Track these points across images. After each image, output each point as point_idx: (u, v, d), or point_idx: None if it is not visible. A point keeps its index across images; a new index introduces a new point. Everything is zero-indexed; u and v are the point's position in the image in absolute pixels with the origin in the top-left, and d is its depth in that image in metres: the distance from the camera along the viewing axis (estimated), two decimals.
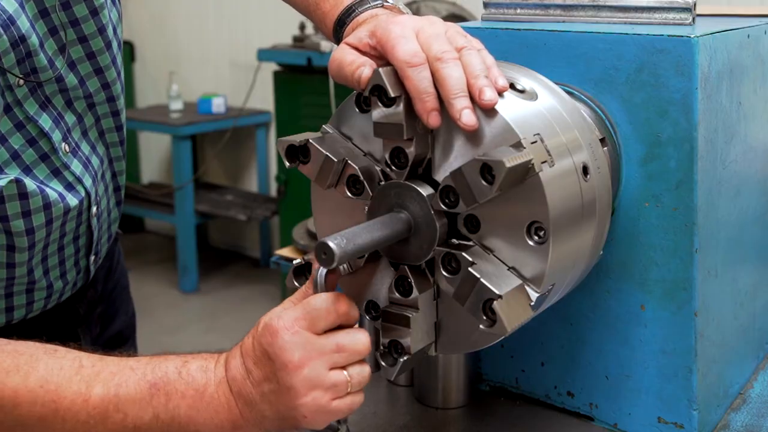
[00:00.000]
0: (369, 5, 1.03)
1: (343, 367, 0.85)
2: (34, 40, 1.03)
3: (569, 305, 1.08)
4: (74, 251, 1.20)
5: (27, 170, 1.07)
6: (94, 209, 1.19)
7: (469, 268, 0.85)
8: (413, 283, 0.89)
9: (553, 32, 1.05)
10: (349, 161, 0.90)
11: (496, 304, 0.82)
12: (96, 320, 1.35)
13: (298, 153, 0.91)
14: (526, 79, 0.93)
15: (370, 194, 0.90)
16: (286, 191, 4.54)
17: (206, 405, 0.88)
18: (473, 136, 0.85)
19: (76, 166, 1.14)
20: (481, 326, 0.84)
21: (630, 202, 1.03)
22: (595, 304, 1.08)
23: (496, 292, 0.83)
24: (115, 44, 1.17)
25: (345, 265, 0.91)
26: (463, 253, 0.85)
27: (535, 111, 0.89)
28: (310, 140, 0.90)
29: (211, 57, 5.43)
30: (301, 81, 4.35)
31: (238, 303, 4.77)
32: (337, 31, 1.06)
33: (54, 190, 1.11)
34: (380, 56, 0.89)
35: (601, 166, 0.93)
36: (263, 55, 4.49)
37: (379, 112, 0.87)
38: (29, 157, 1.07)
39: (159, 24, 5.72)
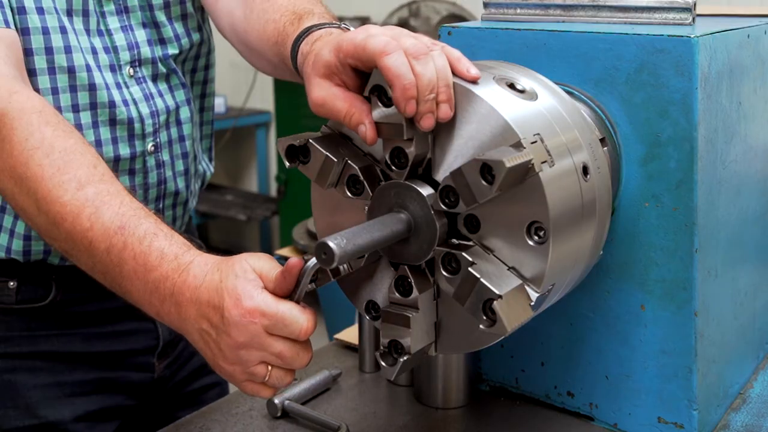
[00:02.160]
0: (326, 24, 1.06)
1: (271, 365, 0.88)
2: None
3: (569, 305, 1.08)
4: (142, 194, 1.28)
5: None
6: (149, 143, 1.26)
7: (469, 268, 0.85)
8: (413, 283, 0.89)
9: (553, 32, 1.05)
10: (350, 161, 0.90)
11: (496, 304, 0.82)
12: None
13: (298, 153, 0.91)
14: (525, 79, 0.93)
15: (370, 194, 0.90)
16: (286, 191, 4.54)
17: (145, 282, 0.92)
18: (473, 136, 0.85)
19: (136, 91, 1.25)
20: (481, 326, 0.84)
21: (630, 202, 1.03)
22: (595, 304, 1.08)
23: (496, 292, 0.83)
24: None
25: (345, 265, 0.91)
26: (463, 253, 0.85)
27: (535, 111, 0.89)
28: (311, 140, 0.90)
29: None
30: None
31: None
32: (293, 56, 1.07)
33: None
34: (352, 72, 0.88)
35: (601, 166, 0.93)
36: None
37: (379, 112, 0.87)
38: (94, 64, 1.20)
39: None
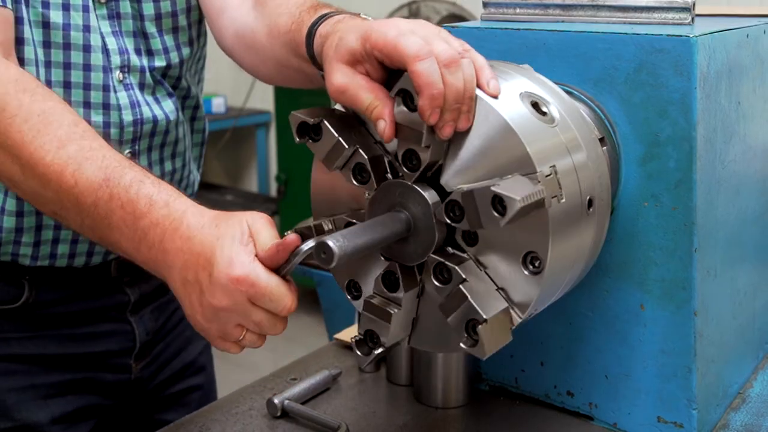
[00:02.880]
0: (345, 13, 1.05)
1: (246, 329, 0.89)
2: None
3: (568, 305, 1.08)
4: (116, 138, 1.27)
5: None
6: (117, 73, 1.23)
7: (460, 285, 0.85)
8: (400, 281, 0.89)
9: (552, 32, 1.05)
10: (360, 150, 0.89)
11: (480, 328, 0.83)
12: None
13: (310, 130, 0.90)
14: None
15: (375, 186, 0.89)
16: (286, 191, 4.55)
17: (134, 230, 0.92)
18: (489, 154, 0.85)
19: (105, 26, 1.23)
20: (461, 344, 0.84)
21: (629, 202, 1.03)
22: (594, 304, 1.08)
23: (483, 315, 0.83)
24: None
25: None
26: (457, 268, 0.86)
27: (554, 137, 0.88)
28: (325, 122, 0.89)
29: (211, 57, 5.41)
30: None
31: None
32: (309, 42, 1.06)
33: None
34: (378, 63, 0.87)
35: (600, 166, 0.93)
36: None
37: (401, 113, 0.85)
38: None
39: None
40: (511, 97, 0.87)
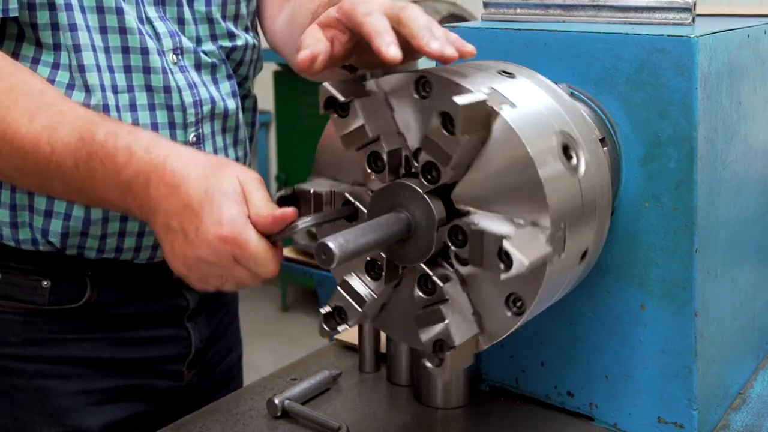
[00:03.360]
0: None
1: (224, 279, 0.89)
2: None
3: (569, 305, 1.08)
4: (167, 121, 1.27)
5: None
6: (170, 56, 1.23)
7: (441, 306, 0.85)
8: (383, 274, 0.89)
9: (553, 32, 1.05)
10: (382, 141, 0.88)
11: (448, 354, 0.83)
12: None
13: (337, 106, 0.88)
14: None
15: (387, 179, 0.89)
16: None
17: (118, 182, 0.92)
18: (505, 179, 0.83)
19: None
20: (426, 362, 0.84)
21: (630, 202, 1.03)
22: (594, 304, 1.08)
23: (455, 341, 0.83)
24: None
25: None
26: (444, 287, 0.86)
27: (573, 184, 0.87)
28: (356, 103, 0.87)
29: None
30: (301, 81, 4.29)
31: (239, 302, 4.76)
32: None
33: None
34: (347, 28, 0.90)
35: (600, 166, 0.93)
36: (263, 55, 4.48)
37: (436, 130, 0.82)
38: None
39: None
40: (542, 130, 0.86)
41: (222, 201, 0.86)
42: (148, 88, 1.17)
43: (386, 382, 1.25)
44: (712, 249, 1.04)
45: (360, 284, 0.90)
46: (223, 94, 1.27)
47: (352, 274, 0.90)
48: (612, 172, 1.00)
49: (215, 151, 1.27)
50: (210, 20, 1.25)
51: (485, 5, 1.17)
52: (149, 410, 1.32)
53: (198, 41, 1.25)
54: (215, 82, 1.26)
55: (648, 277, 1.03)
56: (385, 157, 0.88)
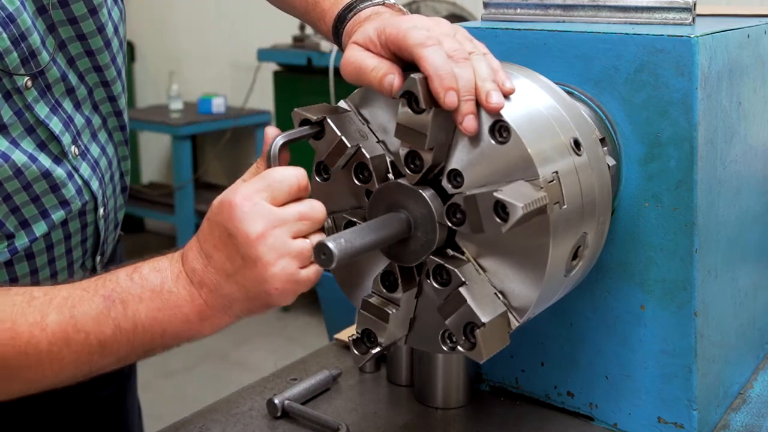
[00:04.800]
0: (370, 2, 1.03)
1: (305, 236, 0.85)
2: (35, 38, 1.02)
3: (569, 305, 1.08)
4: (81, 254, 1.20)
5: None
6: (101, 211, 1.18)
7: (459, 288, 0.85)
8: (399, 282, 0.89)
9: (553, 32, 1.05)
10: (363, 149, 0.89)
11: (478, 332, 0.83)
12: None
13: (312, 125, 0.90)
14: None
15: (376, 185, 0.89)
16: None
17: (165, 302, 0.86)
18: (491, 154, 0.84)
19: (85, 170, 1.13)
20: (459, 348, 0.84)
21: (630, 202, 1.03)
22: (594, 304, 1.08)
23: (482, 320, 0.83)
24: (115, 43, 1.16)
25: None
26: (456, 271, 0.86)
27: (554, 135, 0.88)
28: (328, 119, 0.89)
29: (211, 57, 5.42)
30: (301, 81, 4.35)
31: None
32: (337, 28, 1.05)
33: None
34: (391, 54, 0.88)
35: (601, 166, 0.93)
36: (263, 55, 4.49)
37: (405, 114, 0.85)
38: (44, 162, 1.06)
39: (159, 24, 5.72)
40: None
41: (221, 201, 0.86)
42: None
43: (386, 382, 1.25)
44: (712, 249, 1.04)
45: (380, 300, 0.90)
46: (116, 142, 1.23)
47: (371, 293, 0.90)
48: (612, 172, 1.00)
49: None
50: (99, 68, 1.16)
51: (485, 5, 1.17)
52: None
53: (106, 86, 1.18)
54: (110, 135, 1.21)
55: (648, 277, 1.03)
56: (369, 164, 0.88)
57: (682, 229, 1.00)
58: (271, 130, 0.89)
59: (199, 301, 0.86)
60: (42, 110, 1.06)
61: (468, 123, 0.83)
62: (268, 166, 0.87)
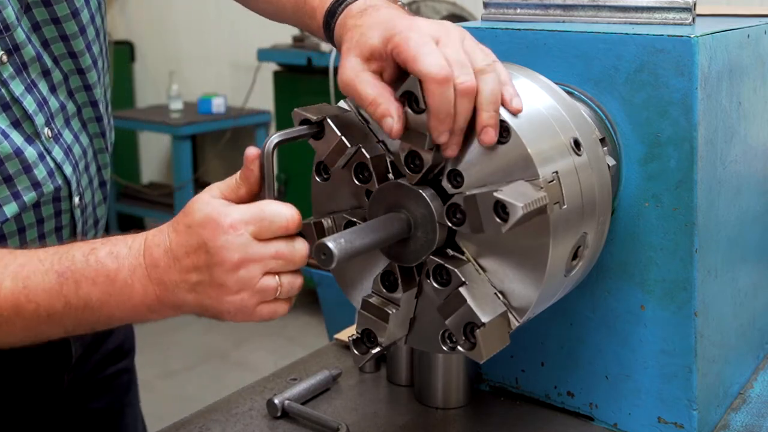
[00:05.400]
0: None
1: (277, 274, 0.86)
2: (9, 12, 1.02)
3: (569, 305, 1.08)
4: (57, 242, 1.18)
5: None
6: (76, 200, 1.17)
7: (459, 288, 0.85)
8: (399, 282, 0.89)
9: (553, 32, 1.05)
10: (363, 150, 0.89)
11: (478, 332, 0.83)
12: None
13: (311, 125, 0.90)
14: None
15: (377, 185, 0.89)
16: (286, 191, 4.54)
17: (119, 290, 0.88)
18: (491, 155, 0.84)
19: (57, 153, 1.13)
20: (459, 348, 0.84)
21: (630, 202, 1.03)
22: (594, 304, 1.08)
23: (482, 320, 0.83)
24: (91, 31, 1.16)
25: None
26: (456, 271, 0.86)
27: (554, 134, 0.88)
28: (328, 119, 0.89)
29: (211, 57, 5.42)
30: (301, 81, 4.35)
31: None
32: (328, 22, 1.03)
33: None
34: (395, 64, 0.86)
35: (601, 166, 0.93)
36: (263, 55, 4.49)
37: (405, 113, 0.84)
38: (15, 140, 1.06)
39: (159, 24, 5.72)
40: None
41: (204, 211, 0.85)
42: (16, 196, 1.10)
43: (386, 382, 1.25)
44: (712, 249, 1.04)
45: (380, 300, 0.90)
46: (91, 133, 1.22)
47: (371, 293, 0.91)
48: (612, 172, 1.00)
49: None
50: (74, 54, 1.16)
51: (485, 5, 1.17)
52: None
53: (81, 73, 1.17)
54: (84, 125, 1.20)
55: (648, 277, 1.03)
56: (369, 164, 0.88)
57: (682, 229, 1.00)
58: (253, 149, 0.89)
59: (152, 297, 0.88)
60: (17, 87, 1.06)
61: (449, 152, 0.84)
62: (262, 164, 0.87)
